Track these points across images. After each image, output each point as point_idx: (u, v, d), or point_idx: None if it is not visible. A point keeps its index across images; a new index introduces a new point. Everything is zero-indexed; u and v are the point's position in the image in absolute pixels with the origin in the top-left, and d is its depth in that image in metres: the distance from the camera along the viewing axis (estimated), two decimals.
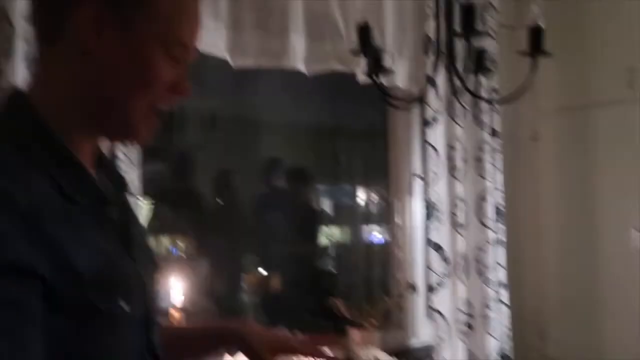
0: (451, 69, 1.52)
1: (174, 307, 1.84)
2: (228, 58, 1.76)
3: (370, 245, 3.43)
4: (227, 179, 3.23)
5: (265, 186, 3.31)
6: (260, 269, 3.07)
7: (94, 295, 0.63)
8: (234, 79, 2.58)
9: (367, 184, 3.17)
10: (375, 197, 3.28)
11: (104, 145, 0.82)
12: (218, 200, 3.22)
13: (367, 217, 3.38)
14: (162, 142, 2.86)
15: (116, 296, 0.66)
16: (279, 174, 3.30)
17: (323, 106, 3.20)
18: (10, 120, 0.70)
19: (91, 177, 0.71)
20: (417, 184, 2.33)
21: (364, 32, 1.48)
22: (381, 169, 2.61)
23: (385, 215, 2.65)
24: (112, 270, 0.67)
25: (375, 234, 3.34)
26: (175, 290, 1.86)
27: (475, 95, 1.62)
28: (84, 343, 0.64)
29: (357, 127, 3.20)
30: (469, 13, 1.37)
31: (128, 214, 0.79)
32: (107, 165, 0.80)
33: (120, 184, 0.80)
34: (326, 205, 3.58)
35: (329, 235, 3.62)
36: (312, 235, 3.40)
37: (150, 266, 0.80)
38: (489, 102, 2.13)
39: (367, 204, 3.38)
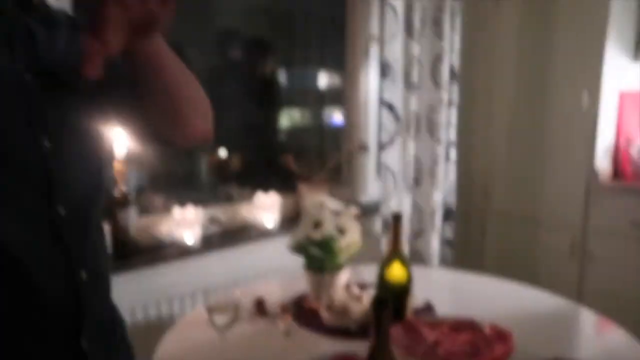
0: None
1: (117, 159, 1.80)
2: None
3: (328, 124, 3.41)
4: (179, 52, 3.10)
5: (221, 59, 3.20)
6: (220, 151, 3.03)
7: None
8: None
9: (325, 55, 3.09)
10: (333, 71, 3.21)
11: None
12: None
13: (327, 97, 3.33)
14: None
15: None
16: (236, 46, 3.18)
17: None
18: None
19: None
20: (374, 46, 2.28)
21: None
22: (339, 33, 2.53)
23: (343, 86, 2.61)
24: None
25: (334, 114, 3.31)
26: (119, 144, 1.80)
27: None
28: None
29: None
30: None
31: (20, 22, 0.74)
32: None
33: (25, 4, 0.76)
34: (283, 79, 3.52)
35: (287, 112, 3.57)
36: (270, 107, 3.34)
37: (51, 80, 0.74)
38: None
39: (326, 80, 3.32)
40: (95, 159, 0.80)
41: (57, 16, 0.83)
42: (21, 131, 0.69)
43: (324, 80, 3.32)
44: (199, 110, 0.84)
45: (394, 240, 1.32)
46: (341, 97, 2.66)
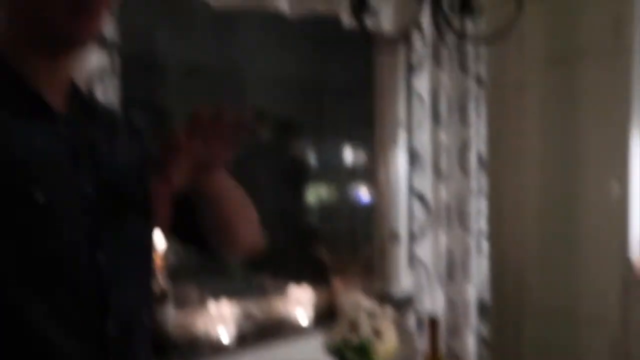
0: (436, 9, 1.50)
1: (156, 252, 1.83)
2: None
3: (357, 202, 3.44)
4: None
5: (250, 139, 3.28)
6: None
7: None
8: (216, 29, 2.53)
9: (353, 138, 3.15)
10: (361, 153, 3.27)
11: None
12: None
13: (354, 172, 3.37)
14: (142, 92, 2.81)
15: (31, 185, 0.67)
16: (265, 126, 3.26)
17: (308, 56, 3.16)
18: None
19: (32, 88, 0.73)
20: (402, 133, 2.32)
21: None
22: (367, 121, 2.59)
23: (371, 168, 2.65)
24: (33, 163, 0.69)
25: (362, 193, 3.35)
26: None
27: (460, 36, 1.60)
28: None
29: (342, 79, 3.17)
30: None
31: (85, 134, 0.78)
32: (81, 97, 0.82)
33: (91, 113, 0.81)
34: (312, 160, 3.58)
35: (315, 191, 3.62)
36: (299, 189, 3.39)
37: (111, 193, 0.78)
38: (474, 42, 2.11)
39: (353, 160, 3.37)
40: (147, 270, 0.83)
41: (118, 121, 0.89)
42: (77, 244, 0.72)
43: (352, 155, 3.38)
44: (252, 229, 0.93)
45: (432, 345, 1.31)
46: (369, 174, 2.70)
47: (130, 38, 1.78)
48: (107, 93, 1.58)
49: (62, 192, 0.71)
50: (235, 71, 3.18)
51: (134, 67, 2.42)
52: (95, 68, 1.52)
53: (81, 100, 0.81)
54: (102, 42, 1.52)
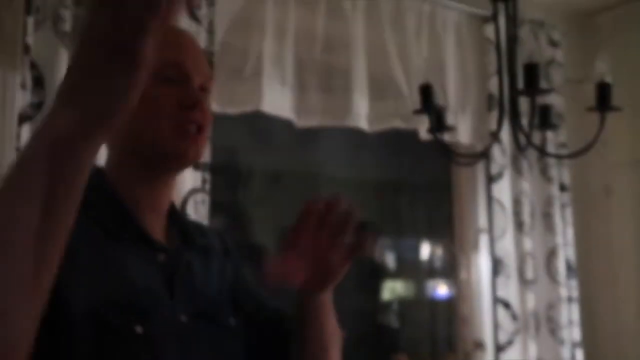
0: (515, 125, 1.52)
1: None
2: (293, 118, 1.83)
3: (435, 301, 3.36)
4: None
5: None
6: None
7: (106, 312, 0.68)
8: (297, 136, 2.66)
9: (431, 238, 3.13)
10: (439, 252, 3.22)
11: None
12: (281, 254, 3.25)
13: (431, 271, 3.32)
14: (227, 197, 2.95)
15: (132, 319, 0.70)
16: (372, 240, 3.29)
17: (386, 160, 3.23)
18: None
19: (136, 221, 0.78)
20: (483, 239, 2.29)
21: (426, 92, 1.51)
22: (445, 222, 2.59)
23: (450, 270, 2.61)
24: (133, 297, 0.72)
25: (440, 289, 3.27)
26: None
27: (542, 152, 1.60)
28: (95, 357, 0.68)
29: (420, 181, 3.19)
30: (531, 72, 1.38)
31: (182, 261, 0.81)
32: (179, 221, 0.87)
33: (188, 238, 0.85)
34: (389, 259, 3.56)
35: (392, 289, 3.57)
36: (375, 289, 3.36)
37: (205, 320, 0.80)
38: (557, 157, 2.10)
39: (431, 259, 3.33)
40: None
41: (211, 243, 0.90)
42: None
43: (432, 258, 3.33)
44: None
45: None
46: (450, 279, 2.64)
47: (218, 155, 1.90)
48: (198, 209, 1.67)
49: (160, 322, 0.74)
50: (315, 176, 3.30)
51: (222, 180, 2.57)
52: (189, 188, 1.62)
53: (179, 225, 0.86)
54: (196, 164, 1.62)
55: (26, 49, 1.35)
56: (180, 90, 0.79)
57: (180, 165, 0.83)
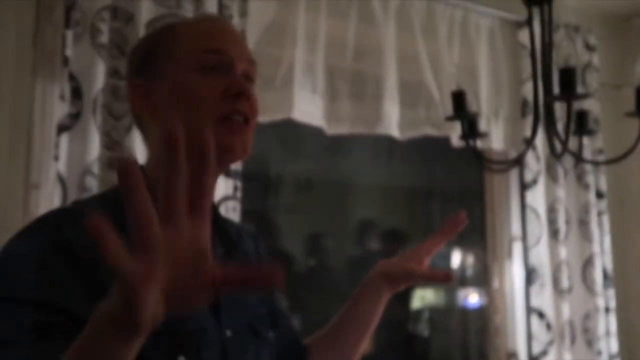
0: (551, 131, 1.49)
1: None
2: (324, 126, 1.83)
3: (466, 310, 3.31)
4: (319, 241, 3.26)
5: (359, 248, 3.32)
6: None
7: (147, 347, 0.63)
8: (328, 143, 2.66)
9: (463, 246, 3.09)
10: (471, 260, 3.18)
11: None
12: (311, 261, 3.25)
13: (463, 279, 3.28)
14: (259, 204, 2.97)
15: (175, 350, 0.68)
16: (373, 236, 3.29)
17: (417, 168, 3.20)
18: (117, 187, 0.80)
19: None
20: (517, 247, 2.26)
21: (458, 98, 1.49)
22: (477, 230, 2.55)
23: (482, 278, 2.57)
24: (175, 324, 0.67)
25: (472, 298, 3.23)
26: None
27: (579, 158, 1.57)
28: None
29: (452, 188, 3.16)
30: (567, 77, 1.35)
31: None
32: (222, 228, 0.83)
33: (231, 246, 0.82)
34: None
35: (423, 298, 3.54)
36: (406, 297, 3.33)
37: (249, 333, 0.80)
38: (594, 163, 2.06)
39: (462, 267, 3.29)
40: None
41: (250, 249, 0.90)
42: None
43: (464, 266, 3.29)
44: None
45: None
46: (483, 287, 2.60)
47: (250, 162, 1.91)
48: (229, 217, 1.69)
49: (204, 345, 0.72)
50: (345, 183, 3.29)
51: (253, 187, 2.58)
52: (220, 196, 1.63)
53: (222, 231, 0.82)
54: (228, 171, 1.63)
55: (65, 61, 1.39)
56: (224, 79, 0.74)
57: (226, 161, 0.78)
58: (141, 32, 1.47)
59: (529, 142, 1.49)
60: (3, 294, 0.62)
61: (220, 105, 0.74)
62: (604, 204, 2.24)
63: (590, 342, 2.16)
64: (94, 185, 1.42)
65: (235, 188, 1.68)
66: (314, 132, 1.86)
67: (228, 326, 0.76)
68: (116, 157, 1.37)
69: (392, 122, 1.88)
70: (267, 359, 0.83)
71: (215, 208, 0.84)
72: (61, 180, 1.40)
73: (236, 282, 0.47)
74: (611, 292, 2.21)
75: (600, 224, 2.23)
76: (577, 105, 1.67)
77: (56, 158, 1.38)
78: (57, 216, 0.73)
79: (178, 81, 0.75)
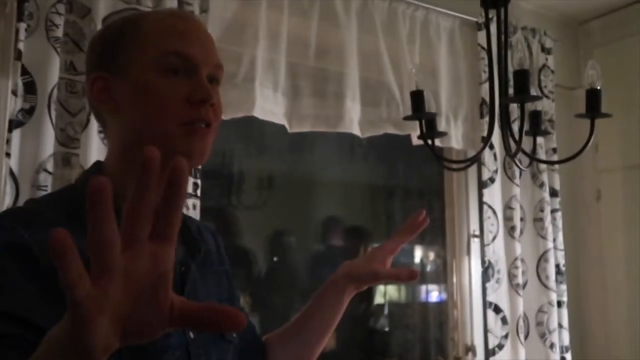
0: (505, 132, 1.53)
1: None
2: (286, 124, 1.83)
3: (427, 304, 3.37)
4: (281, 239, 3.27)
5: (321, 245, 3.33)
6: None
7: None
8: (291, 140, 2.66)
9: (424, 243, 3.14)
10: (431, 256, 3.23)
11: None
12: (273, 258, 3.25)
13: (423, 275, 3.33)
14: (219, 202, 2.95)
15: (138, 355, 0.65)
16: (336, 233, 3.31)
17: (379, 165, 3.23)
18: (75, 185, 0.80)
19: None
20: (475, 244, 2.31)
21: (417, 98, 1.51)
22: (437, 227, 2.59)
23: (442, 274, 2.62)
24: None
25: (431, 294, 3.28)
26: None
27: (532, 158, 1.61)
28: None
29: (413, 185, 3.21)
30: (521, 79, 1.39)
31: (189, 276, 0.78)
32: (184, 226, 0.81)
33: (191, 246, 0.82)
34: None
35: (383, 293, 3.58)
36: (367, 293, 3.36)
37: (213, 335, 0.80)
38: (547, 163, 2.11)
39: (422, 262, 3.34)
40: None
41: (210, 248, 0.89)
42: None
43: (424, 261, 3.34)
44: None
45: None
46: (441, 282, 2.65)
47: (211, 160, 1.90)
48: (189, 215, 1.67)
49: (169, 348, 0.71)
50: (308, 181, 3.30)
51: (214, 184, 2.56)
52: None
53: (184, 232, 0.81)
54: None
55: (18, 54, 1.35)
56: (189, 83, 0.73)
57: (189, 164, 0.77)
58: (98, 26, 1.44)
59: (485, 142, 1.52)
60: None
61: (183, 111, 0.72)
62: (557, 202, 2.30)
63: (543, 336, 2.22)
64: (48, 183, 1.39)
65: (196, 185, 1.67)
66: (277, 129, 1.86)
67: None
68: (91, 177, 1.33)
69: (353, 120, 1.89)
70: (231, 359, 0.84)
71: None
72: (13, 177, 1.36)
73: (194, 320, 0.44)
74: (563, 287, 2.28)
75: (553, 222, 2.29)
76: (531, 105, 1.72)
77: (8, 154, 1.35)
78: (12, 217, 0.70)
79: (141, 81, 0.73)
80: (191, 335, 0.75)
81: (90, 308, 0.40)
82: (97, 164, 0.80)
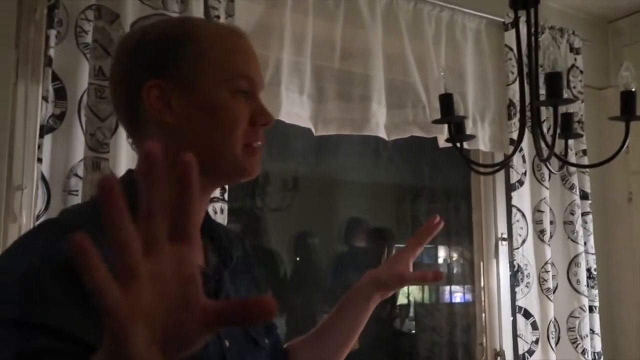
0: (537, 135, 1.50)
1: None
2: (312, 127, 1.82)
3: (452, 306, 3.33)
4: (305, 240, 3.27)
5: (345, 246, 3.32)
6: None
7: None
8: (316, 142, 2.66)
9: (449, 244, 3.10)
10: (457, 257, 3.20)
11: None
12: (297, 259, 3.25)
13: (449, 277, 3.30)
14: (245, 203, 2.96)
15: None
16: (360, 234, 3.30)
17: (404, 167, 3.21)
18: None
19: None
20: (503, 247, 2.27)
21: (446, 101, 1.49)
22: (464, 229, 2.56)
23: (469, 277, 2.59)
24: None
25: (459, 297, 3.25)
26: None
27: (565, 162, 1.58)
28: None
29: (438, 187, 3.18)
30: (554, 81, 1.36)
31: (223, 285, 0.78)
32: (215, 236, 0.81)
33: (224, 254, 0.81)
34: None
35: (408, 295, 3.55)
36: (392, 295, 3.34)
37: (247, 342, 0.80)
38: (579, 167, 2.07)
39: (448, 264, 3.30)
40: None
41: (240, 255, 0.88)
42: None
43: (448, 257, 3.31)
44: None
45: None
46: (469, 287, 2.62)
47: None
48: (216, 218, 1.68)
49: (208, 358, 0.70)
50: (332, 182, 3.29)
51: (239, 186, 2.56)
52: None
53: (214, 237, 0.81)
54: None
55: (48, 61, 1.37)
56: (250, 105, 0.75)
57: (240, 180, 0.78)
58: (126, 31, 1.45)
59: (516, 146, 1.49)
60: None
61: (247, 132, 0.74)
62: (587, 205, 2.26)
63: (574, 341, 2.18)
64: (78, 187, 1.40)
65: (223, 189, 1.67)
66: (302, 131, 1.86)
67: (226, 336, 0.75)
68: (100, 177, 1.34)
69: (379, 123, 1.88)
70: None
71: (207, 216, 0.83)
72: (45, 181, 1.38)
73: (230, 317, 0.43)
74: (595, 292, 2.24)
75: (584, 225, 2.25)
76: (562, 107, 1.68)
77: (39, 159, 1.36)
78: (49, 230, 0.69)
79: (212, 99, 0.73)
80: (227, 343, 0.75)
81: (123, 315, 0.39)
82: (129, 172, 0.79)
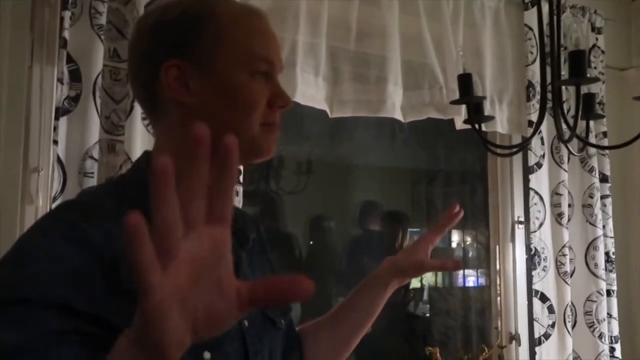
0: (558, 116, 1.46)
1: None
2: (327, 109, 1.80)
3: (466, 290, 3.32)
4: (321, 223, 3.26)
5: (360, 229, 3.31)
6: None
7: None
8: (331, 125, 2.64)
9: (465, 227, 3.08)
10: (472, 241, 3.18)
11: None
12: (312, 243, 3.25)
13: (464, 261, 3.28)
14: (259, 186, 2.95)
15: (200, 347, 0.64)
16: (375, 218, 3.29)
17: (420, 149, 3.18)
18: (126, 175, 0.79)
19: None
20: (520, 231, 2.25)
21: (465, 81, 1.46)
22: (480, 212, 2.54)
23: (484, 260, 2.57)
24: None
25: (471, 278, 3.23)
26: None
27: (587, 143, 1.55)
28: None
29: (454, 170, 3.15)
30: (577, 60, 1.32)
31: (242, 267, 0.78)
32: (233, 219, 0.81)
33: (241, 236, 0.81)
34: None
35: (421, 278, 3.54)
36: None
37: (264, 322, 0.80)
38: (601, 148, 2.03)
39: (463, 248, 3.28)
40: None
41: (255, 237, 0.87)
42: None
43: (463, 240, 3.29)
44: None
45: None
46: (484, 270, 2.60)
47: None
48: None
49: (227, 340, 0.71)
50: (347, 166, 3.27)
51: (254, 169, 2.56)
52: None
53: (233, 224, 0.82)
54: None
55: (63, 43, 1.36)
56: (269, 86, 0.75)
57: (257, 160, 0.78)
58: (140, 12, 1.44)
59: (536, 128, 1.46)
60: (21, 296, 0.57)
61: (266, 113, 0.75)
62: (607, 188, 2.22)
63: (592, 325, 2.16)
64: (94, 169, 1.40)
65: (239, 172, 1.66)
66: (316, 113, 1.84)
67: (245, 316, 0.74)
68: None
69: (395, 105, 1.85)
70: (279, 347, 0.83)
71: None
72: (60, 163, 1.38)
73: (264, 297, 0.43)
74: (613, 276, 2.21)
75: (603, 208, 2.21)
76: (583, 88, 1.64)
77: (55, 142, 1.36)
78: (71, 210, 0.69)
79: (231, 80, 0.73)
80: (245, 323, 0.75)
81: (161, 294, 0.39)
82: (147, 153, 0.79)
